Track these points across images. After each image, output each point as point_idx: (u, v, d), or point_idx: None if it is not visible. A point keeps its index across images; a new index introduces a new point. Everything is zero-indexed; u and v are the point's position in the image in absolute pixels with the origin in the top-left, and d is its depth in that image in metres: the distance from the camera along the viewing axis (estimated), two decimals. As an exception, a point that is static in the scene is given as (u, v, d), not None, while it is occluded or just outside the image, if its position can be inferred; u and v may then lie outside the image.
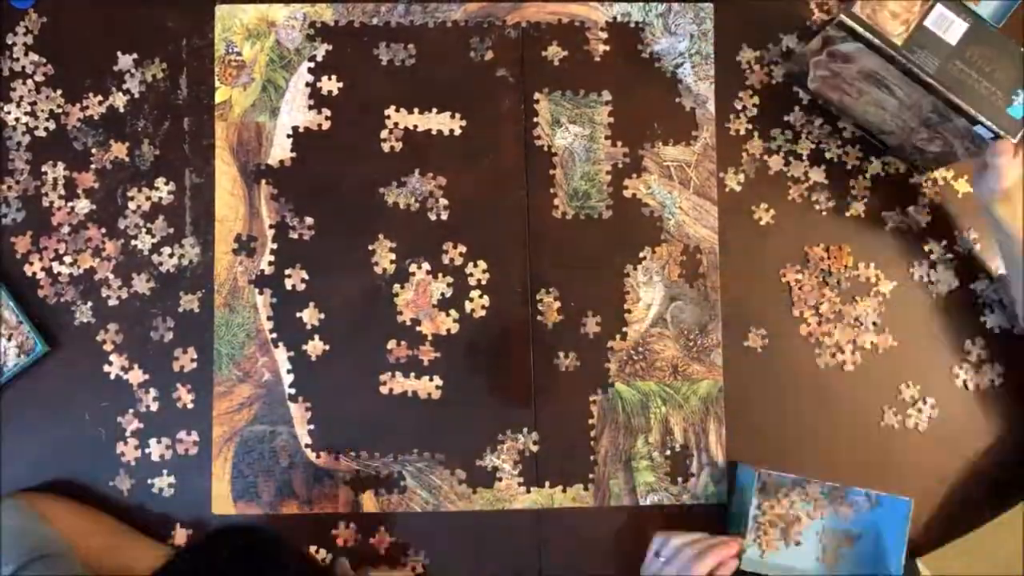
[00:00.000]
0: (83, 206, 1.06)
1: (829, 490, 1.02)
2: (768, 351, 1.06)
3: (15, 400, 1.03)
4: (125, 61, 1.07)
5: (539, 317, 1.05)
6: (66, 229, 1.06)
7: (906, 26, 0.91)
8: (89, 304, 1.05)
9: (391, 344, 1.05)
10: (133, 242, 1.06)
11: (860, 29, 0.91)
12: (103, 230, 1.06)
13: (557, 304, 1.05)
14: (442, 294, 1.06)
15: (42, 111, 1.07)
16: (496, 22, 1.09)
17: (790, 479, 1.02)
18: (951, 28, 0.91)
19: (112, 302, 1.05)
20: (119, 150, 1.06)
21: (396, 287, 1.06)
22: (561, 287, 1.06)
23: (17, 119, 1.06)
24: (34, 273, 1.05)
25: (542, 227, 1.07)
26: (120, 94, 1.07)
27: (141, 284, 1.05)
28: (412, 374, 1.05)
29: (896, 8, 0.91)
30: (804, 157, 1.08)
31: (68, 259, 1.05)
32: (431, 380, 1.05)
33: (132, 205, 1.06)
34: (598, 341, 1.05)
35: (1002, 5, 1.08)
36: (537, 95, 1.08)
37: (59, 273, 1.05)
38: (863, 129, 1.07)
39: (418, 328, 1.05)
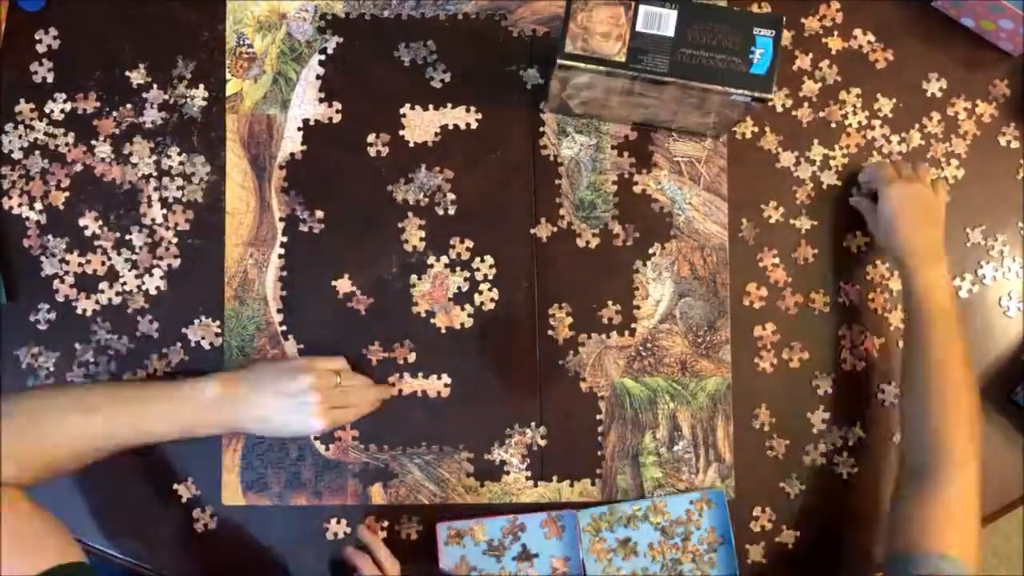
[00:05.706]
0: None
1: None
2: (776, 348, 1.06)
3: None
4: (134, 53, 1.07)
5: (549, 332, 1.06)
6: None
7: (622, 41, 0.88)
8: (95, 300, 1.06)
9: (396, 348, 1.05)
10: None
11: (580, 64, 0.89)
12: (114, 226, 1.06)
13: (569, 320, 1.06)
14: (459, 288, 1.06)
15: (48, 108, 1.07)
16: (507, 15, 1.08)
17: None
18: (663, 22, 0.88)
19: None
20: (135, 143, 1.07)
21: (413, 278, 1.06)
22: (572, 285, 1.06)
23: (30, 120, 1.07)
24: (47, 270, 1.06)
25: (549, 226, 1.07)
26: (130, 84, 1.07)
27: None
28: (420, 374, 1.05)
29: (604, 28, 0.88)
30: (815, 158, 1.08)
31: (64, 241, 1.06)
32: (439, 379, 1.05)
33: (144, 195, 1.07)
34: (607, 337, 1.06)
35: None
36: (543, 104, 1.07)
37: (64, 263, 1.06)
38: (644, 125, 1.06)
39: (432, 321, 1.06)
